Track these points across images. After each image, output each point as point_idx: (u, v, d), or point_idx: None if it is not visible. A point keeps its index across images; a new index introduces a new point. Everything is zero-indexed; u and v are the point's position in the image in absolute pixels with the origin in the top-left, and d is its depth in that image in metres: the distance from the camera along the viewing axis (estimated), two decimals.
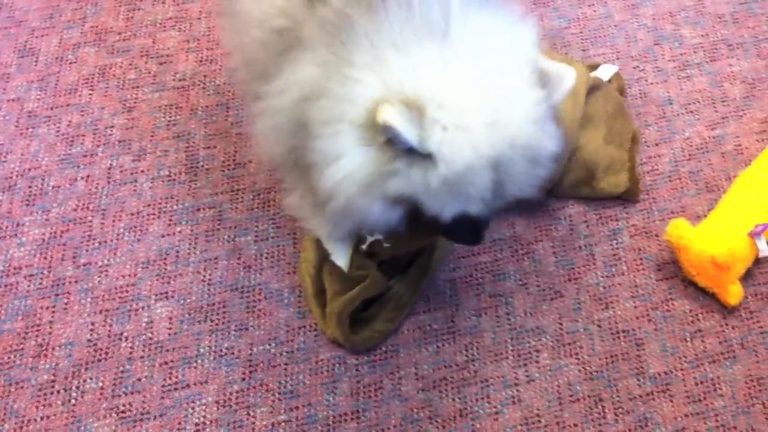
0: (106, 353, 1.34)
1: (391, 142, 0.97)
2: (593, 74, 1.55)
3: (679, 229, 1.37)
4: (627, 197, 1.49)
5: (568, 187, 1.48)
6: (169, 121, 1.57)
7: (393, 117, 0.93)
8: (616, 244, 1.46)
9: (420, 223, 1.09)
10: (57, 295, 1.40)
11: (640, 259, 1.44)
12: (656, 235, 1.46)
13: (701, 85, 1.63)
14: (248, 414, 1.29)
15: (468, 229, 1.09)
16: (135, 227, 1.46)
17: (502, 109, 0.98)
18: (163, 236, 1.45)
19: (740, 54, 1.67)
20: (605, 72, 1.57)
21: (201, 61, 1.64)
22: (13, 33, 1.67)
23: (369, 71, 0.99)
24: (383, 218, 1.08)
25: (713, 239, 1.36)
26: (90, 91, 1.60)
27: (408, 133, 0.94)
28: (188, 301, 1.39)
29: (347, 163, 1.01)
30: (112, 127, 1.56)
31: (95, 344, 1.35)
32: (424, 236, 1.32)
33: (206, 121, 1.57)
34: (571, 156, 1.45)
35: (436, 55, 0.99)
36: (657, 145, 1.56)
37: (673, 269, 1.42)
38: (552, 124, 1.04)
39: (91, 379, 1.32)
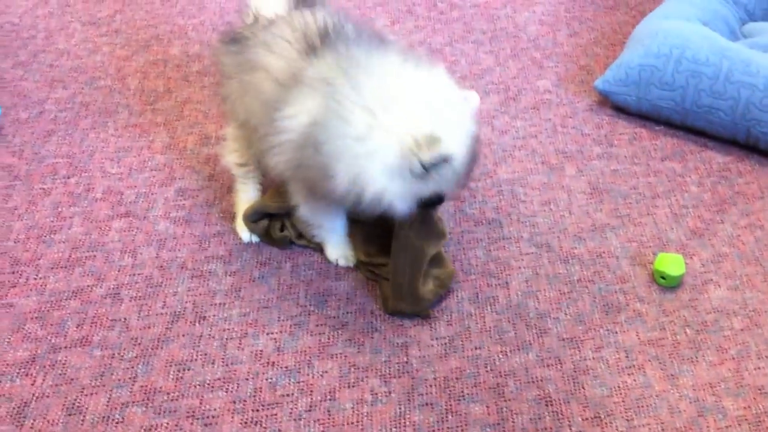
0: None
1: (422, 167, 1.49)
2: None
3: None
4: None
5: None
6: None
7: (428, 159, 1.46)
8: None
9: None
10: None
11: None
12: None
13: None
14: None
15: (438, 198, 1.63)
16: None
17: (465, 124, 1.59)
18: None
19: None
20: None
21: (246, 422, 1.64)
22: (63, 390, 1.69)
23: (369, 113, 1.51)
24: (407, 209, 1.59)
25: None
26: None
27: (437, 165, 1.49)
28: None
29: (384, 183, 1.51)
30: None
31: None
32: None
33: None
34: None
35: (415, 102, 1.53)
36: None
37: None
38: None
39: None
